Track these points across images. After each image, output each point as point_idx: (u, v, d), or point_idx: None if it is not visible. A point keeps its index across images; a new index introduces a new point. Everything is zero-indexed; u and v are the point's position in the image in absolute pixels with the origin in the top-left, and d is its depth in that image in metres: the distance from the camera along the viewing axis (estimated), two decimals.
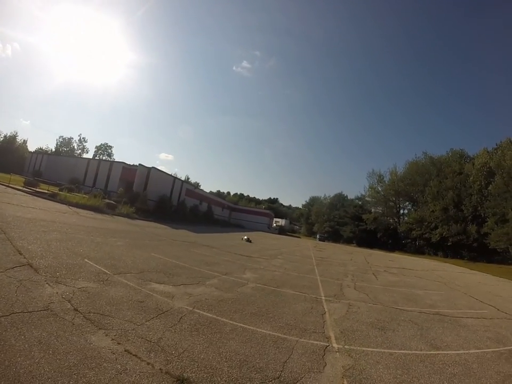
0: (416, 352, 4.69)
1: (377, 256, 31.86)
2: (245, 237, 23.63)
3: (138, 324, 4.08)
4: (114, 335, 3.62)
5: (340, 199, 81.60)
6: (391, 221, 63.70)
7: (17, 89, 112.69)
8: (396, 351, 4.58)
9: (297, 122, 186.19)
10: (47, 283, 4.91)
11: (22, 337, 3.10)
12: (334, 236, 69.44)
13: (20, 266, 5.39)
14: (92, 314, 4.10)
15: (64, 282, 5.16)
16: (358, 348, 4.52)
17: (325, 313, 6.13)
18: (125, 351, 3.30)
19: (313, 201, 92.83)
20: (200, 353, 3.56)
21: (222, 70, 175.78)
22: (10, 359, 2.70)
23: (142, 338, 3.68)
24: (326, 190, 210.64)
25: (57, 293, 4.59)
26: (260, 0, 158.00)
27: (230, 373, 3.23)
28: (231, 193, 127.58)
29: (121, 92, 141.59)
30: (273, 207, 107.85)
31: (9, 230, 8.09)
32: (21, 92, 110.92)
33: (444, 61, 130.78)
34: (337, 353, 4.22)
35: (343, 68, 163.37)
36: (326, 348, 4.34)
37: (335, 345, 4.49)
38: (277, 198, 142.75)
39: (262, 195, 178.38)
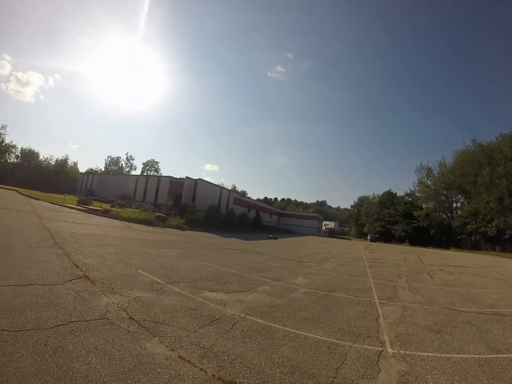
0: (475, 356, 4.97)
1: (432, 255, 34.57)
2: (270, 235, 26.34)
3: (191, 331, 4.77)
4: (168, 342, 4.26)
5: (389, 197, 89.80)
6: (443, 216, 70.24)
7: (63, 117, 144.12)
8: (453, 356, 4.89)
9: (337, 123, 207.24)
10: (103, 293, 5.94)
11: (80, 344, 3.79)
12: (385, 236, 76.79)
13: (77, 278, 6.62)
14: (146, 322, 4.87)
15: (119, 292, 6.19)
16: (414, 352, 4.89)
17: (379, 317, 6.73)
18: (179, 357, 3.88)
19: (362, 201, 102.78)
20: (253, 359, 4.09)
21: (257, 77, 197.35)
22: (68, 364, 3.33)
23: (195, 344, 4.29)
24: (374, 188, 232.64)
25: (113, 302, 5.53)
26: (282, 3, 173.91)
27: (282, 379, 3.66)
28: (278, 199, 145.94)
29: (162, 110, 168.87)
30: (321, 210, 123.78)
31: (66, 245, 9.90)
32: (67, 118, 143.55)
33: (475, 48, 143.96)
34: (392, 358, 4.59)
35: (375, 65, 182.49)
36: (381, 353, 4.74)
37: (389, 350, 4.90)
38: (325, 201, 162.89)
39: (309, 198, 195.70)
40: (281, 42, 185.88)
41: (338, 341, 5.08)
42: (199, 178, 42.81)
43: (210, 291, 7.40)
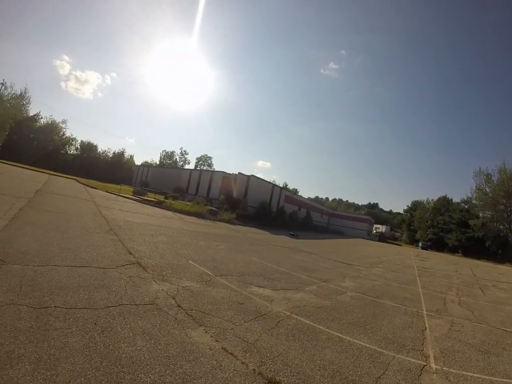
0: None
1: (485, 268, 33.41)
2: (291, 232, 25.68)
3: (237, 324, 4.93)
4: (213, 333, 4.42)
5: (444, 203, 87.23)
6: (501, 227, 65.11)
7: (120, 112, 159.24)
8: (498, 379, 4.77)
9: (390, 123, 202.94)
10: (153, 280, 6.23)
11: (128, 326, 3.98)
12: (437, 244, 73.95)
13: (130, 264, 7.00)
14: (193, 311, 5.04)
15: (169, 280, 6.46)
16: (457, 371, 4.80)
17: (425, 330, 6.69)
18: (222, 348, 4.01)
19: (415, 206, 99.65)
20: (294, 359, 4.16)
21: (310, 74, 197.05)
22: (115, 344, 3.51)
23: (240, 338, 4.43)
24: (428, 193, 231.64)
25: (162, 289, 5.78)
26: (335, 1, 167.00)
27: (322, 382, 3.72)
28: (330, 199, 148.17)
29: (216, 107, 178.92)
30: (372, 212, 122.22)
31: (120, 232, 10.52)
32: (124, 114, 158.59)
33: None
34: (435, 374, 4.54)
35: (430, 62, 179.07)
36: (423, 367, 4.69)
37: (433, 365, 4.83)
38: (377, 203, 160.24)
39: (361, 200, 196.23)
40: (334, 38, 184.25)
41: (381, 350, 5.08)
42: (251, 175, 43.98)
43: (258, 286, 7.62)
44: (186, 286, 6.35)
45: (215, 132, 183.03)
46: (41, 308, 4.00)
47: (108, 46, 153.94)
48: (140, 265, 7.20)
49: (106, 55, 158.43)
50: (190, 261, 8.76)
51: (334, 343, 4.97)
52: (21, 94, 55.28)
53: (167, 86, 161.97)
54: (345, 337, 5.33)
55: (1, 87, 51.16)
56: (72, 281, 5.17)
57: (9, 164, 37.76)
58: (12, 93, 52.91)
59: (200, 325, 4.58)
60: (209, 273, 7.91)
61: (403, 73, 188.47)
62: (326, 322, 5.88)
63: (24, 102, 57.63)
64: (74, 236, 8.58)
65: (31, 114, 65.07)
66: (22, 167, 37.83)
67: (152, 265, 7.42)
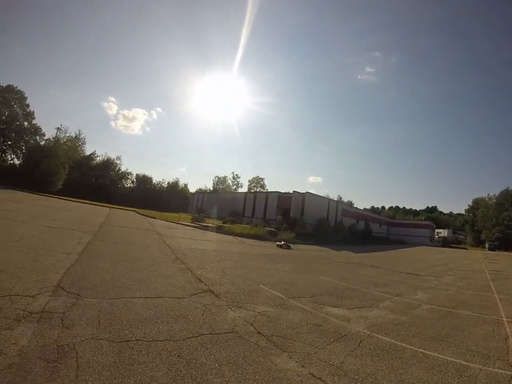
0: None
1: None
2: (282, 243, 23.19)
3: (319, 347, 4.84)
4: (298, 358, 4.32)
5: (507, 196, 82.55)
6: None
7: (169, 143, 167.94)
8: None
9: (436, 119, 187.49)
10: (229, 307, 6.26)
11: (212, 356, 3.96)
12: (505, 243, 69.96)
13: (203, 292, 7.11)
14: (274, 337, 4.96)
15: (244, 307, 6.47)
16: None
17: (507, 338, 6.45)
18: (310, 374, 3.94)
19: (477, 204, 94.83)
20: (383, 379, 4.05)
21: (348, 82, 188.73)
22: (202, 376, 3.47)
23: (325, 361, 4.34)
24: (489, 188, 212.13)
25: (239, 316, 5.78)
26: (352, 4, 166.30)
27: None
28: (386, 207, 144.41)
29: (260, 127, 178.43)
30: (432, 216, 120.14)
31: (187, 260, 10.81)
32: (173, 144, 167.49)
33: None
34: None
35: (468, 49, 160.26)
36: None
37: None
38: (435, 206, 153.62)
39: (418, 205, 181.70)
40: (365, 41, 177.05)
41: (467, 363, 4.92)
42: (306, 192, 44.49)
43: (332, 306, 7.54)
44: (262, 311, 6.32)
45: (263, 152, 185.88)
46: (123, 342, 4.09)
47: (149, 84, 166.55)
48: (213, 292, 7.29)
49: (149, 93, 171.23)
50: (261, 285, 8.75)
51: (419, 360, 4.83)
52: (76, 136, 62.72)
53: (211, 114, 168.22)
54: (429, 352, 5.18)
55: (58, 132, 57.37)
56: (150, 313, 5.28)
57: (71, 200, 40.72)
58: (68, 136, 59.38)
59: (283, 351, 4.51)
60: (282, 296, 7.84)
61: (442, 65, 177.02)
62: (407, 339, 5.77)
63: (79, 143, 65.08)
64: (144, 266, 8.91)
65: (88, 153, 72.07)
66: (83, 203, 40.74)
67: (224, 292, 7.48)
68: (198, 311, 5.79)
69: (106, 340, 4.07)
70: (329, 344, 5.00)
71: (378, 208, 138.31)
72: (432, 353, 5.13)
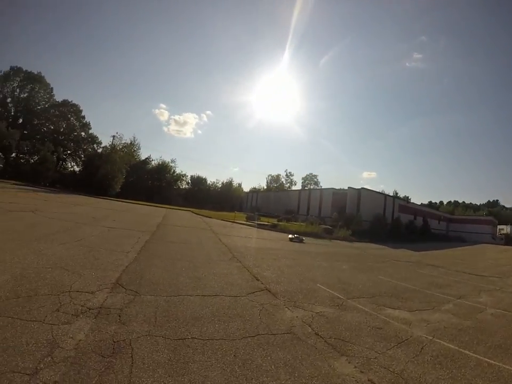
0: None
1: None
2: (294, 236, 21.69)
3: (379, 352, 4.63)
4: (357, 363, 4.15)
5: None
6: None
7: (221, 144, 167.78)
8: None
9: (495, 105, 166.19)
10: (286, 307, 6.16)
11: (268, 358, 3.88)
12: None
13: (260, 291, 7.08)
14: (332, 339, 4.80)
15: (302, 306, 6.33)
16: None
17: None
18: (369, 380, 3.78)
19: None
20: None
21: (396, 71, 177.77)
22: (258, 378, 3.42)
23: (385, 368, 4.16)
24: None
25: (297, 317, 5.66)
26: None
27: None
28: (444, 202, 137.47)
29: (311, 124, 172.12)
30: (493, 211, 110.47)
31: (243, 259, 10.89)
32: (225, 145, 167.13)
33: None
34: None
35: None
36: None
37: None
38: (497, 200, 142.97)
39: (478, 199, 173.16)
40: (409, 26, 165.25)
41: None
42: (361, 188, 43.04)
43: (393, 308, 7.27)
44: (320, 312, 6.15)
45: (315, 149, 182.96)
46: (178, 340, 4.11)
47: (197, 89, 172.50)
48: (270, 291, 7.23)
49: (198, 97, 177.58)
50: (318, 284, 8.56)
51: (483, 370, 4.53)
52: (131, 142, 67.31)
53: (261, 112, 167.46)
54: (495, 362, 4.82)
55: (113, 139, 61.91)
56: (206, 311, 5.30)
57: (129, 202, 42.86)
58: (123, 142, 63.73)
59: (342, 355, 4.35)
60: (340, 296, 7.62)
61: (499, 45, 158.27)
62: (471, 346, 5.43)
63: (135, 149, 69.78)
64: (200, 264, 9.05)
65: (143, 158, 76.61)
66: (141, 204, 42.62)
67: (281, 291, 7.40)
68: (254, 310, 5.74)
69: (162, 337, 4.12)
70: (390, 349, 4.79)
71: (436, 203, 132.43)
72: (498, 364, 4.79)
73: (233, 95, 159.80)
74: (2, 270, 6.05)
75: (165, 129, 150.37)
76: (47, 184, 57.13)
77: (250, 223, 29.71)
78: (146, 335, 4.09)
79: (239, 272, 8.79)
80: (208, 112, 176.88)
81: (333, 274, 10.40)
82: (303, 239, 20.85)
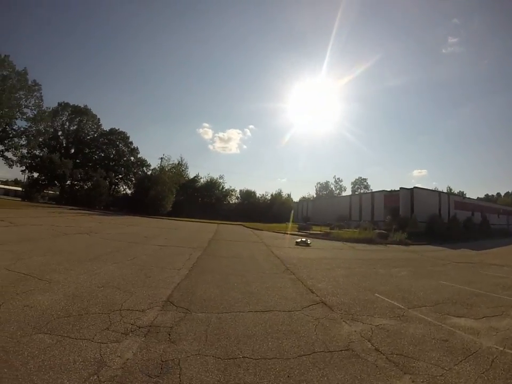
0: None
1: None
2: (299, 240, 21.00)
3: (446, 368, 4.17)
4: (422, 382, 3.72)
5: None
6: None
7: (267, 157, 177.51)
8: None
9: None
10: (343, 321, 5.79)
11: (325, 378, 3.58)
12: None
13: (315, 304, 6.76)
14: (394, 355, 4.38)
15: (360, 319, 5.93)
16: None
17: None
18: None
19: None
20: None
21: (433, 60, 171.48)
22: None
23: None
24: None
25: (355, 331, 5.27)
26: None
27: None
28: (502, 194, 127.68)
29: (357, 126, 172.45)
30: None
31: (296, 270, 10.60)
32: (270, 157, 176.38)
33: None
34: None
35: None
36: None
37: None
38: None
39: None
40: (439, 10, 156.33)
41: None
42: (414, 187, 41.21)
43: (458, 317, 6.65)
44: (380, 325, 5.72)
45: (361, 151, 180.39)
46: (229, 359, 3.93)
47: (237, 105, 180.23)
48: (325, 304, 6.89)
49: (239, 113, 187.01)
50: (376, 294, 8.08)
51: None
52: (179, 162, 70.18)
53: (302, 120, 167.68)
54: None
55: (162, 161, 66.16)
56: (259, 328, 5.08)
57: (180, 220, 44.04)
58: (171, 163, 67.19)
59: (405, 373, 3.93)
60: (400, 306, 7.11)
61: None
62: None
63: (183, 168, 72.68)
64: (253, 279, 8.88)
65: (192, 176, 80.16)
66: (192, 221, 43.68)
67: (337, 303, 7.02)
68: (310, 325, 5.43)
69: (212, 356, 3.95)
70: (457, 364, 4.29)
71: (493, 195, 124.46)
72: None
73: (274, 107, 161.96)
74: (55, 290, 6.26)
75: (210, 147, 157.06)
76: (102, 207, 62.36)
77: (302, 233, 29.28)
78: (195, 355, 3.94)
79: (293, 285, 8.51)
80: (251, 126, 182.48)
81: (391, 282, 9.86)
82: (309, 243, 20.20)
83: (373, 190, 69.34)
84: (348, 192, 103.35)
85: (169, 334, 4.51)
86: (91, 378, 3.21)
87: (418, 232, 31.25)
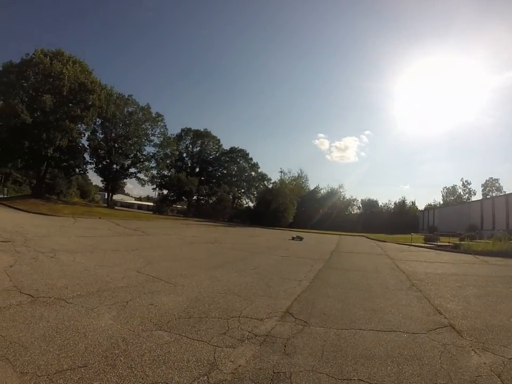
0: None
1: None
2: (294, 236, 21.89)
3: None
4: None
5: None
6: None
7: (386, 162, 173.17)
8: None
9: None
10: (472, 349, 4.95)
11: None
12: None
13: (442, 327, 6.00)
14: None
15: (491, 349, 4.99)
16: None
17: None
18: None
19: None
20: None
21: None
22: None
23: None
24: None
25: (484, 363, 4.46)
26: None
27: None
28: None
29: (479, 120, 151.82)
30: None
31: (423, 287, 9.71)
32: (390, 163, 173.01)
33: None
34: None
35: None
36: None
37: None
38: None
39: None
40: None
41: None
42: None
43: None
44: None
45: (489, 148, 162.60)
46: (343, 380, 3.70)
47: (350, 112, 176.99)
48: (454, 328, 6.06)
49: (353, 120, 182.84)
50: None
51: None
52: (298, 175, 74.53)
53: (419, 121, 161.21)
54: None
55: (282, 174, 70.79)
56: (379, 349, 4.71)
57: (301, 231, 44.04)
58: (291, 176, 71.54)
59: None
60: None
61: None
62: None
63: (303, 181, 76.90)
64: (376, 294, 8.44)
65: (312, 188, 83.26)
66: (313, 232, 43.63)
67: (467, 327, 6.11)
68: (435, 351, 4.80)
69: (326, 374, 3.78)
70: None
71: None
72: None
73: (388, 109, 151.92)
74: (179, 292, 6.80)
75: (328, 157, 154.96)
76: (226, 220, 67.58)
77: (429, 245, 27.03)
78: (309, 370, 3.82)
79: (418, 304, 7.78)
80: (367, 132, 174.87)
81: None
82: (302, 238, 19.30)
83: (506, 192, 60.03)
84: (478, 196, 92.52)
85: (285, 346, 4.49)
86: (201, 378, 3.36)
87: None
